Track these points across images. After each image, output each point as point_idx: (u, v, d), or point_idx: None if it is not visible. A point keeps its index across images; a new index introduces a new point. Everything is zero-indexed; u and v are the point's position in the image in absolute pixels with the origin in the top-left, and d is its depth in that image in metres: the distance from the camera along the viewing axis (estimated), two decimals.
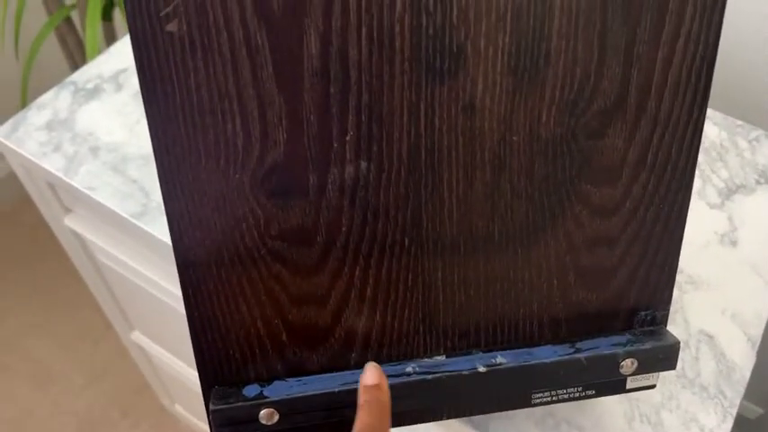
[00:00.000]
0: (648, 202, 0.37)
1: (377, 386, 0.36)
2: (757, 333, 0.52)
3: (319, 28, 0.31)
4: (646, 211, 0.38)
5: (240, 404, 0.36)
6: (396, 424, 0.39)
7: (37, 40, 1.09)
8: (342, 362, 0.38)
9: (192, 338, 0.37)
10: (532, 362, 0.38)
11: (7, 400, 1.34)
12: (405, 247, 0.36)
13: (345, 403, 0.37)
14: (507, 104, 0.34)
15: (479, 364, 0.38)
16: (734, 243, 0.58)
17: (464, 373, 0.38)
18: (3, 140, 0.62)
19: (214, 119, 0.33)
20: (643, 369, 0.40)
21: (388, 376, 0.38)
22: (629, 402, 0.48)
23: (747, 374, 0.50)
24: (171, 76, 0.32)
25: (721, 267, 0.56)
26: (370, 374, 0.36)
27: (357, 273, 0.37)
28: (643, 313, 0.40)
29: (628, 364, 0.39)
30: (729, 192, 0.62)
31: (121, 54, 0.70)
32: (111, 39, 1.15)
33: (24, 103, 1.13)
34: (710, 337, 0.52)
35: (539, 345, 0.40)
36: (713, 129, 0.67)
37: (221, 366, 0.38)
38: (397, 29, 0.32)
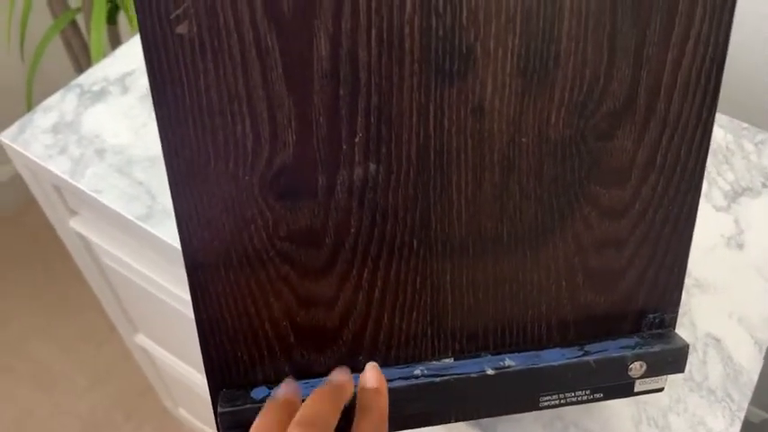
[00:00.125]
0: (657, 204, 0.37)
1: (376, 390, 0.35)
2: (764, 336, 0.52)
3: (329, 30, 0.31)
4: (655, 213, 0.37)
5: (248, 406, 0.36)
6: (403, 427, 0.39)
7: (42, 44, 1.09)
8: (349, 364, 0.38)
9: (200, 340, 0.37)
10: (541, 365, 0.38)
11: (10, 401, 1.34)
12: (413, 248, 0.36)
13: (353, 405, 0.37)
14: (516, 106, 0.34)
15: (488, 366, 0.38)
16: (740, 246, 0.58)
17: (472, 375, 0.38)
18: (9, 143, 0.62)
19: (224, 120, 0.33)
20: (652, 372, 0.39)
21: (396, 379, 0.38)
22: (637, 405, 0.48)
23: (755, 378, 0.50)
24: (181, 78, 0.32)
25: (728, 270, 0.56)
26: (371, 376, 0.36)
27: (365, 275, 0.37)
28: (652, 316, 0.40)
29: (636, 367, 0.39)
30: (735, 194, 0.61)
31: (127, 57, 0.70)
32: (115, 42, 1.15)
33: (29, 106, 1.13)
34: (717, 340, 0.52)
35: (547, 347, 0.40)
36: (719, 131, 0.67)
37: (229, 368, 0.38)
38: (407, 30, 0.32)
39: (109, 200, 0.58)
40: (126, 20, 1.08)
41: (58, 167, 0.60)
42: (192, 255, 0.35)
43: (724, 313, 0.53)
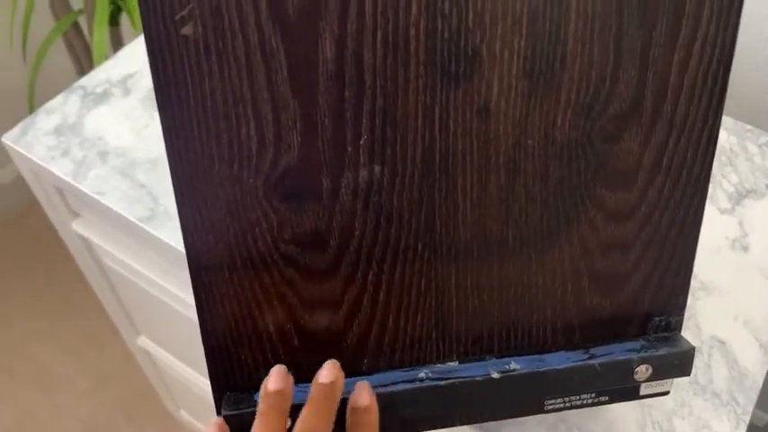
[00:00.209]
0: (664, 207, 0.37)
1: (367, 408, 0.35)
2: None
3: (334, 32, 0.31)
4: (661, 216, 0.37)
5: (252, 410, 0.36)
6: (406, 430, 0.39)
7: (44, 45, 1.09)
8: (354, 367, 0.38)
9: (203, 344, 0.37)
10: (546, 368, 0.38)
11: (12, 404, 1.34)
12: (418, 251, 0.36)
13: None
14: (522, 108, 0.34)
15: (493, 370, 0.38)
16: (745, 248, 0.57)
17: (477, 379, 0.38)
18: (11, 145, 0.62)
19: (228, 123, 0.33)
20: (657, 375, 0.39)
21: (401, 382, 0.38)
22: (642, 409, 0.48)
23: (760, 381, 0.49)
24: (185, 80, 0.31)
25: (733, 273, 0.56)
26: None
27: (370, 277, 0.36)
28: (657, 319, 0.40)
29: (642, 371, 0.39)
30: (740, 197, 0.61)
31: (130, 58, 0.70)
32: (117, 43, 1.15)
33: (31, 107, 1.13)
34: (722, 343, 0.52)
35: (552, 351, 0.39)
36: (723, 133, 0.66)
37: (233, 372, 0.38)
38: (413, 32, 0.32)
39: (111, 202, 0.57)
40: (128, 21, 1.08)
41: (61, 169, 0.60)
42: (196, 257, 0.35)
43: (729, 316, 0.53)
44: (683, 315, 0.41)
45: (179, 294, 0.67)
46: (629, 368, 0.39)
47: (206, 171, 0.33)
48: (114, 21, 1.12)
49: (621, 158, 0.36)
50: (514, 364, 0.38)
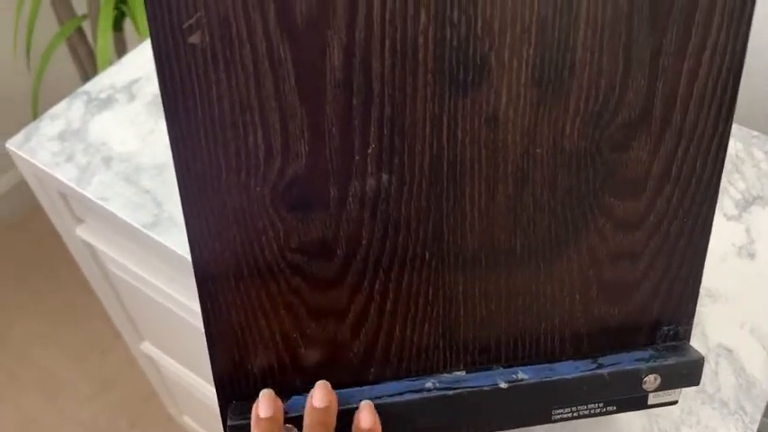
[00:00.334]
0: (672, 216, 0.37)
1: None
2: None
3: (342, 40, 0.31)
4: (670, 225, 0.37)
5: None
6: None
7: (48, 51, 1.09)
8: (360, 376, 0.38)
9: (209, 352, 0.37)
10: (554, 378, 0.38)
11: (14, 408, 1.34)
12: (425, 260, 0.36)
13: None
14: (531, 117, 0.34)
15: (500, 379, 0.38)
16: (752, 255, 0.57)
17: (485, 388, 0.37)
18: (15, 150, 0.62)
19: (236, 131, 0.32)
20: (666, 385, 0.39)
21: (407, 392, 0.37)
22: (649, 418, 0.47)
23: None
24: (193, 89, 0.31)
25: (739, 280, 0.55)
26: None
27: (377, 286, 0.36)
28: (666, 328, 0.40)
29: (651, 380, 0.39)
30: (746, 203, 0.61)
31: (134, 64, 0.70)
32: (121, 49, 1.15)
33: (35, 113, 1.13)
34: (729, 351, 0.51)
35: (560, 360, 0.39)
36: (729, 140, 0.66)
37: (239, 381, 0.37)
38: (421, 41, 0.31)
39: (115, 208, 0.57)
40: (132, 27, 1.08)
41: (65, 175, 0.59)
42: (203, 266, 0.35)
43: (736, 323, 0.53)
44: (691, 324, 0.40)
45: (182, 300, 0.67)
46: (637, 378, 0.38)
47: (213, 179, 0.33)
48: (118, 26, 1.12)
49: (630, 167, 0.35)
50: (522, 374, 0.38)
